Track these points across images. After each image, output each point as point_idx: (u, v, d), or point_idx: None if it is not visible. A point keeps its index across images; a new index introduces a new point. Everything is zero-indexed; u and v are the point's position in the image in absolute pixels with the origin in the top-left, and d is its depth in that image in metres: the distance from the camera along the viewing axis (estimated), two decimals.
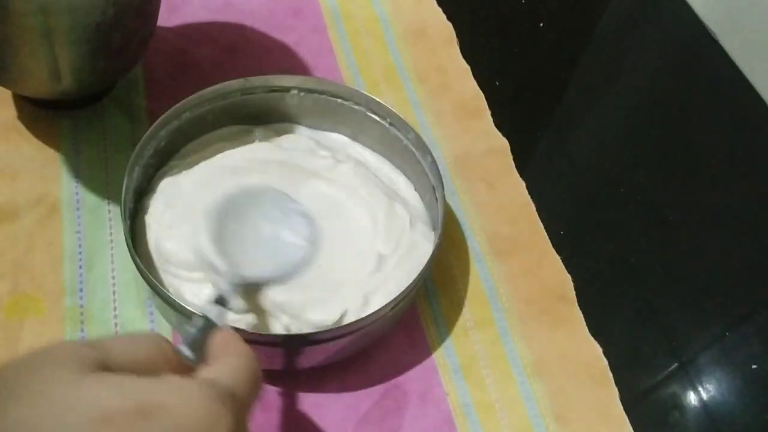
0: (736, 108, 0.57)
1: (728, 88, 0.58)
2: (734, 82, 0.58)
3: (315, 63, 0.54)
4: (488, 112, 0.53)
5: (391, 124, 0.45)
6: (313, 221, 0.38)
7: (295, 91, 0.46)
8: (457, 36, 0.57)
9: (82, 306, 0.41)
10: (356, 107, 0.46)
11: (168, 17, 0.55)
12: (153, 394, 0.23)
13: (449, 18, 0.58)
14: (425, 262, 0.39)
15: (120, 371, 0.24)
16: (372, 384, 0.40)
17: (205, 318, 0.31)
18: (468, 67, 0.55)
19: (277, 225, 0.38)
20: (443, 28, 0.58)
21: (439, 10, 0.59)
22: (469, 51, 0.56)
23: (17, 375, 0.23)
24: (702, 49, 0.61)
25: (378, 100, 0.45)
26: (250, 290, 0.37)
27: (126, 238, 0.38)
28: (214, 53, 0.53)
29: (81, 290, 0.41)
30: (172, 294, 0.36)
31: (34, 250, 0.42)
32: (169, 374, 0.25)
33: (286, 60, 0.54)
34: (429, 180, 0.43)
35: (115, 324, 0.40)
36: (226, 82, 0.44)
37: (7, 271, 0.41)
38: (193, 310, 0.35)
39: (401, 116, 0.44)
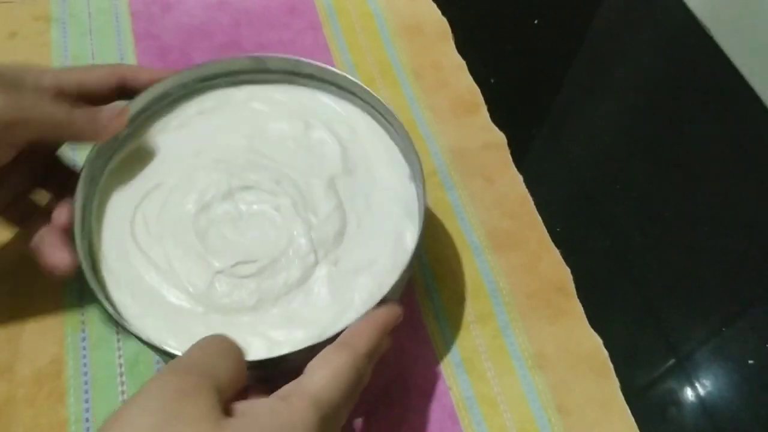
0: (731, 104, 0.57)
1: (723, 84, 0.58)
2: (729, 78, 0.58)
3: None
4: (484, 107, 0.53)
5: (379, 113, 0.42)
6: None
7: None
8: (452, 31, 0.57)
9: (82, 307, 0.41)
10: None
11: (162, 15, 0.55)
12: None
13: (444, 13, 0.58)
14: (408, 260, 0.35)
15: (230, 395, 0.26)
16: (374, 379, 0.39)
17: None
18: (463, 63, 0.55)
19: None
20: (438, 24, 0.58)
21: (434, 5, 0.59)
22: (464, 46, 0.56)
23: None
24: (696, 44, 0.61)
25: (347, 76, 0.41)
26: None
27: (83, 265, 0.34)
28: (209, 51, 0.53)
29: (81, 291, 0.41)
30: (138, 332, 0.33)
31: None
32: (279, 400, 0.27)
33: None
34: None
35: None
36: (168, 78, 0.40)
37: (7, 272, 0.41)
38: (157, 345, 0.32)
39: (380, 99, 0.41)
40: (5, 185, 0.36)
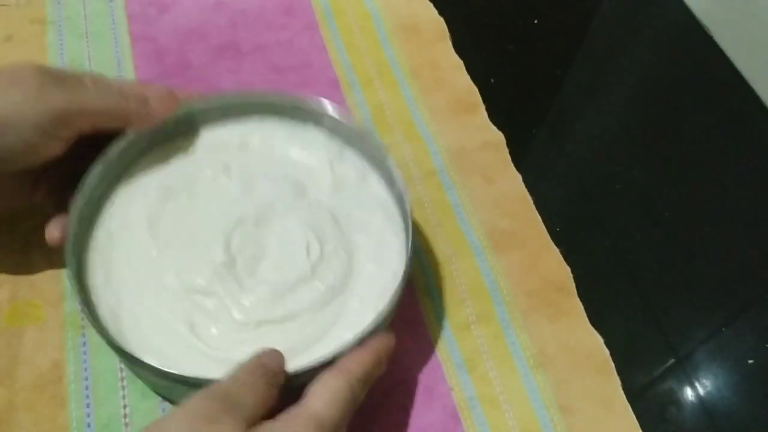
0: (730, 103, 0.57)
1: (723, 84, 0.58)
2: (729, 78, 0.58)
3: (308, 61, 0.54)
4: (483, 107, 0.53)
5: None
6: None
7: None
8: (451, 31, 0.57)
9: (82, 312, 0.40)
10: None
11: (159, 17, 0.55)
12: None
13: (441, 13, 0.58)
14: (399, 282, 0.37)
15: (257, 417, 0.29)
16: (376, 381, 0.40)
17: None
18: (461, 62, 0.55)
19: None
20: (435, 24, 0.58)
21: (431, 5, 0.59)
22: (464, 46, 0.56)
23: None
24: (696, 44, 0.61)
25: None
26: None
27: (78, 295, 0.35)
28: (206, 53, 0.53)
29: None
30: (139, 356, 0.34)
31: (33, 256, 0.42)
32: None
33: (279, 58, 0.53)
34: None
35: None
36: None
37: (6, 278, 0.41)
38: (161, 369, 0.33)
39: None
40: (56, 172, 0.38)
